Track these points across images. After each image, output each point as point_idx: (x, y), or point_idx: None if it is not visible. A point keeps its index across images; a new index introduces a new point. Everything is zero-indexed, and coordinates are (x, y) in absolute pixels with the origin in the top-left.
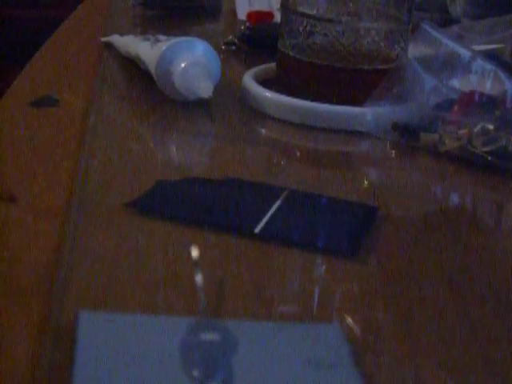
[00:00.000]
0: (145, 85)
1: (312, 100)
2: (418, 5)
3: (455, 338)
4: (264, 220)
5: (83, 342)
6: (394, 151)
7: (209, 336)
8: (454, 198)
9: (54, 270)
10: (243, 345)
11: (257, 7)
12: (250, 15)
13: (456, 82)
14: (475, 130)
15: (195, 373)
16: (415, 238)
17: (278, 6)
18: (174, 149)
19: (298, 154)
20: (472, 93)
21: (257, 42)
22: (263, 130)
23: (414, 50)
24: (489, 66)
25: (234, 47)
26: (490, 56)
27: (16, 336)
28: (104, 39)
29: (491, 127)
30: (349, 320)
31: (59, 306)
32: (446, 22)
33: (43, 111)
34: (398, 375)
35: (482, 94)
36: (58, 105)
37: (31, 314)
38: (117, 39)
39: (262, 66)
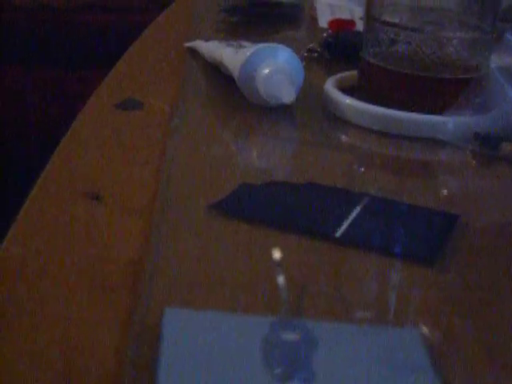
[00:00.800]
0: (228, 90)
1: (393, 108)
2: (502, 15)
3: None
4: (345, 224)
5: (168, 338)
6: (474, 161)
7: (290, 335)
8: None
9: (140, 268)
10: (323, 345)
11: (338, 16)
12: (331, 23)
13: None
14: None
15: (277, 371)
16: (495, 247)
17: (360, 14)
18: (256, 153)
19: (379, 161)
20: None
21: (339, 49)
22: (344, 137)
23: (497, 59)
24: None
25: (316, 54)
26: None
27: (103, 332)
28: (188, 44)
29: None
30: (427, 326)
31: (145, 303)
32: None
33: (128, 114)
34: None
35: None
36: (142, 108)
37: (118, 311)
38: (200, 44)
39: (344, 74)
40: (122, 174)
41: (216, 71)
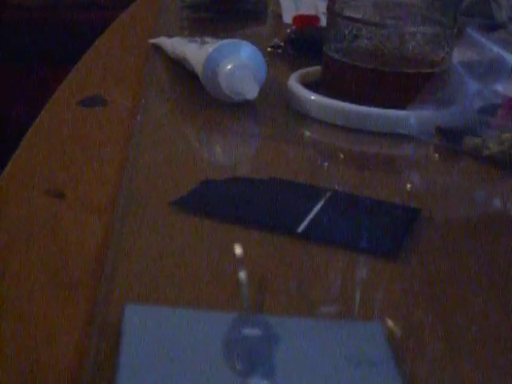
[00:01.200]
0: (191, 86)
1: (356, 103)
2: (464, 10)
3: (496, 339)
4: (307, 220)
5: (128, 334)
6: (437, 155)
7: (251, 331)
8: (497, 202)
9: (101, 265)
10: (285, 341)
11: (303, 11)
12: (295, 19)
13: (500, 87)
14: None
15: (238, 367)
16: (457, 240)
17: (324, 10)
18: (219, 149)
19: (342, 156)
20: None
21: (302, 45)
22: (307, 132)
23: (459, 54)
24: None
25: (279, 50)
26: None
27: (63, 328)
28: (152, 41)
29: None
30: (390, 320)
31: (106, 299)
32: (491, 27)
33: (92, 111)
34: (438, 375)
35: None
36: (106, 104)
37: (78, 307)
38: (164, 41)
39: (308, 69)
40: (85, 171)
41: (180, 67)
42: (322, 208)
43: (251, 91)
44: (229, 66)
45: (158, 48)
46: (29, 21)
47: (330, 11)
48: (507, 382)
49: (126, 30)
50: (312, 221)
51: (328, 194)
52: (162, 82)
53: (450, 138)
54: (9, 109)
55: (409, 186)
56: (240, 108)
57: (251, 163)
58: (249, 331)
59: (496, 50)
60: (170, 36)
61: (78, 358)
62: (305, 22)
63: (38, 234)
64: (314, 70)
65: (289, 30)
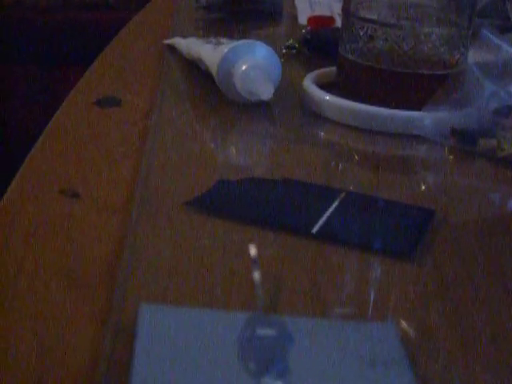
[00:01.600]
0: (206, 86)
1: (371, 104)
2: (479, 11)
3: (510, 341)
4: (321, 220)
5: (143, 333)
6: (451, 156)
7: (266, 331)
8: (511, 204)
9: (116, 264)
10: (299, 341)
11: (318, 12)
12: (310, 20)
13: None
14: None
15: (252, 366)
16: (472, 242)
17: (339, 10)
18: (234, 149)
19: (357, 157)
20: None
21: (317, 46)
22: (322, 133)
23: (474, 55)
24: None
25: (294, 51)
26: None
27: (79, 327)
28: (167, 41)
29: None
30: (404, 321)
31: (121, 299)
32: (506, 28)
33: (107, 111)
34: (452, 377)
35: None
36: (120, 105)
37: (94, 307)
38: (179, 41)
39: (322, 70)
40: (100, 171)
41: (194, 68)
42: (336, 209)
43: (266, 92)
44: (244, 67)
45: (172, 49)
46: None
47: (345, 12)
48: None
49: (141, 30)
50: (326, 221)
51: (342, 195)
52: (176, 82)
53: (464, 140)
54: (19, 111)
55: (423, 187)
56: (255, 109)
57: (266, 164)
58: (263, 331)
59: (511, 51)
60: (184, 37)
61: (92, 358)
62: (320, 22)
63: (53, 234)
64: (329, 70)
65: (304, 31)
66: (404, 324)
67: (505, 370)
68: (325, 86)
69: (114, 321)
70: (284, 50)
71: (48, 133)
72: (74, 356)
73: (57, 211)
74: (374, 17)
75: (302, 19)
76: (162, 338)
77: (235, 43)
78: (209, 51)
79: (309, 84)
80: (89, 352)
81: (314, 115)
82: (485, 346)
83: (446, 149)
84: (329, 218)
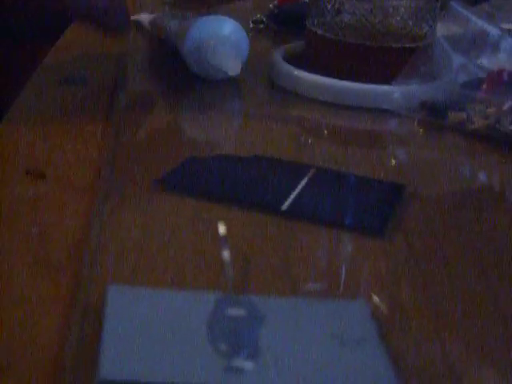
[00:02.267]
0: (173, 63)
1: (340, 78)
2: None
3: (481, 315)
4: (291, 197)
5: (111, 315)
6: (421, 130)
7: (235, 311)
8: (482, 177)
9: (83, 246)
10: (269, 320)
11: None
12: None
13: (485, 61)
14: (503, 109)
15: (222, 347)
16: (442, 216)
17: None
18: (203, 126)
19: (326, 131)
20: (500, 71)
21: (285, 20)
22: (291, 108)
23: (443, 28)
24: None
25: (262, 26)
26: None
27: (46, 310)
28: (132, 17)
29: None
30: (375, 297)
31: (88, 281)
32: (475, 0)
33: (72, 89)
34: (424, 352)
35: (510, 73)
36: (87, 83)
37: (61, 289)
38: (145, 17)
39: (290, 45)
40: (66, 150)
41: (161, 44)
42: (306, 185)
43: (234, 67)
44: (211, 42)
45: (139, 24)
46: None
47: None
48: (493, 357)
49: None
50: (296, 198)
51: (312, 171)
52: (143, 59)
53: (434, 113)
54: None
55: (394, 161)
56: (223, 85)
57: (235, 140)
58: (233, 311)
59: (480, 23)
60: (151, 12)
61: (60, 339)
62: None
63: (19, 215)
64: (297, 45)
65: (271, 5)
66: (375, 300)
67: (476, 343)
68: (293, 60)
69: (81, 302)
70: (251, 25)
71: (13, 111)
72: (42, 338)
73: (23, 192)
74: None
75: None
76: (130, 319)
77: (202, 18)
78: (176, 27)
79: (277, 59)
80: (57, 333)
81: (283, 90)
82: (456, 320)
83: (416, 122)
84: (299, 194)
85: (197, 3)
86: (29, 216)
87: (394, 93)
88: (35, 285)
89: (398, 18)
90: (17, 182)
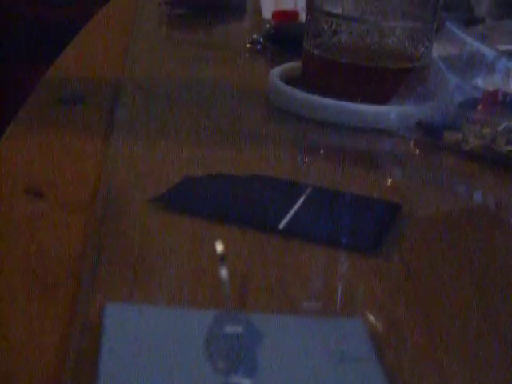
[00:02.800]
0: (171, 81)
1: (336, 98)
2: (443, 4)
3: (477, 334)
4: (288, 216)
5: (109, 333)
6: (417, 150)
7: (233, 329)
8: (477, 197)
9: (81, 264)
10: (267, 338)
11: (282, 6)
12: (275, 14)
13: (480, 81)
14: (499, 129)
15: (219, 365)
16: (438, 235)
17: (304, 5)
18: (199, 146)
19: (322, 151)
20: (496, 92)
21: (282, 40)
22: (288, 128)
23: (439, 49)
24: None
25: (259, 46)
26: None
27: (44, 328)
28: None
29: None
30: (371, 315)
31: (86, 299)
32: (470, 21)
33: (70, 108)
34: (420, 371)
35: (505, 93)
36: (84, 102)
37: (59, 307)
38: None
39: (287, 65)
40: (64, 169)
41: (160, 61)
42: (302, 204)
43: None
44: None
45: (136, 43)
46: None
47: (310, 6)
48: (489, 375)
49: (103, 27)
50: (293, 217)
51: (309, 190)
52: (140, 77)
53: (430, 133)
54: None
55: (390, 181)
56: (219, 103)
57: (232, 160)
58: (230, 329)
59: (475, 44)
60: (147, 32)
61: (58, 357)
62: (284, 17)
63: (18, 234)
64: (294, 65)
65: (268, 26)
66: (372, 318)
67: (473, 361)
68: (290, 80)
69: (79, 321)
70: (248, 45)
71: (11, 130)
72: (41, 356)
73: (21, 210)
74: (339, 11)
75: (267, 14)
76: (128, 337)
77: None
78: None
79: (274, 79)
80: (55, 351)
81: (280, 110)
82: (452, 339)
83: (412, 142)
84: (295, 213)
85: (193, 24)
86: (27, 234)
87: (390, 113)
88: (33, 302)
89: (395, 39)
90: (15, 200)
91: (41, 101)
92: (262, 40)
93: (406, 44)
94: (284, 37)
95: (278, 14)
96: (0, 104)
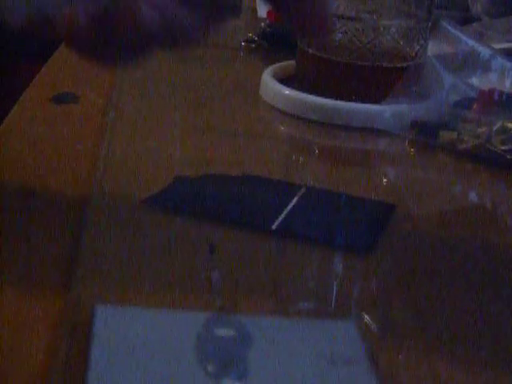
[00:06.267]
0: (164, 82)
1: (331, 97)
2: (438, 2)
3: (472, 335)
4: (281, 217)
5: (98, 335)
6: (412, 149)
7: (225, 331)
8: (473, 197)
9: (71, 265)
10: (259, 340)
11: None
12: (270, 13)
13: (475, 80)
14: (494, 128)
15: (210, 368)
16: (433, 235)
17: None
18: (192, 145)
19: (316, 151)
20: (491, 91)
21: (277, 39)
22: (282, 127)
23: (434, 47)
24: (508, 64)
25: (253, 44)
26: (510, 54)
27: (33, 329)
28: None
29: (510, 125)
30: (365, 317)
31: (76, 300)
32: (466, 19)
33: (63, 107)
34: (414, 372)
35: (501, 92)
36: (78, 101)
37: (48, 308)
38: None
39: (282, 64)
40: (57, 169)
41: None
42: (296, 204)
43: None
44: None
45: None
46: None
47: None
48: (484, 378)
49: None
50: (286, 217)
51: (302, 191)
52: (134, 78)
53: (425, 132)
54: None
55: (384, 180)
56: (213, 103)
57: (224, 159)
58: (221, 331)
59: (471, 42)
60: None
61: (47, 359)
62: (279, 16)
63: (8, 233)
64: (288, 64)
65: (263, 24)
66: (365, 319)
67: (467, 363)
68: (284, 79)
69: (69, 323)
70: (243, 44)
71: (4, 129)
72: (29, 357)
73: (12, 210)
74: (333, 10)
75: (262, 12)
76: (117, 340)
77: None
78: None
79: (268, 78)
80: (44, 353)
81: (274, 109)
82: (447, 340)
83: (407, 142)
84: (289, 213)
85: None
86: (17, 234)
87: (384, 112)
88: (22, 304)
89: (389, 38)
90: (6, 199)
91: (34, 99)
92: (256, 39)
93: (401, 42)
94: (279, 35)
95: (273, 13)
96: None
